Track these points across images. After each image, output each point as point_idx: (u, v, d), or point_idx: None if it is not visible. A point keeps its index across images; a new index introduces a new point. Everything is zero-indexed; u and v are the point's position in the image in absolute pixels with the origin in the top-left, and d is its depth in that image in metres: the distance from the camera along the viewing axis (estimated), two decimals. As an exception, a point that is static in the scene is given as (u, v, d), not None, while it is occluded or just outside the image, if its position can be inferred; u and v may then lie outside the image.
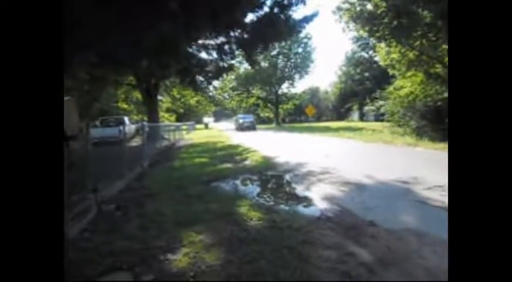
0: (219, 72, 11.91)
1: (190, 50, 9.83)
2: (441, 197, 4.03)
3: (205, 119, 53.67)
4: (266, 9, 7.45)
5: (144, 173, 6.92)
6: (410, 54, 12.68)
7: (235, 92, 43.85)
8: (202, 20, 5.93)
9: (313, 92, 55.66)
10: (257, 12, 7.50)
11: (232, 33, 8.20)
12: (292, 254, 2.56)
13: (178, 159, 9.46)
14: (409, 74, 13.61)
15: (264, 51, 10.60)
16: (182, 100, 33.51)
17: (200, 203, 4.20)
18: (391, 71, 14.71)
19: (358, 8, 12.62)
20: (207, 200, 4.33)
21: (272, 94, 43.82)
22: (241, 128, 28.49)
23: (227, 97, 45.42)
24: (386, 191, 4.63)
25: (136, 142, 12.21)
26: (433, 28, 11.17)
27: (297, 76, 42.41)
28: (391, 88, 15.62)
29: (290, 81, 42.98)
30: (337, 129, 21.15)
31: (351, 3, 12.74)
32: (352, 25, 13.15)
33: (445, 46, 11.20)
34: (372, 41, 27.12)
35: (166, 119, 31.39)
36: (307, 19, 8.70)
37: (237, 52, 9.53)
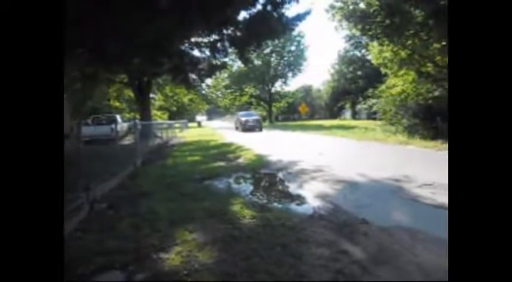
0: (211, 70, 11.85)
1: (183, 47, 9.74)
2: (432, 195, 4.08)
3: (198, 117, 53.50)
4: (259, 6, 7.39)
5: (137, 171, 6.87)
6: (402, 53, 12.75)
7: (228, 90, 43.55)
8: (194, 18, 5.89)
9: (306, 90, 55.80)
10: (250, 9, 7.45)
11: (225, 31, 8.14)
12: (285, 251, 2.57)
13: (171, 158, 9.41)
14: (401, 72, 13.69)
15: (257, 49, 10.57)
16: (175, 98, 33.29)
17: (193, 202, 4.18)
18: (383, 70, 14.78)
19: (351, 7, 12.64)
20: (200, 198, 4.32)
21: (265, 92, 43.70)
22: (244, 128, 22.64)
23: (220, 95, 45.22)
24: (379, 189, 4.68)
25: (128, 140, 12.14)
26: (424, 27, 11.26)
27: (290, 74, 42.36)
28: (383, 87, 15.71)
29: (283, 80, 42.92)
30: (330, 128, 21.29)
31: (344, 2, 12.75)
32: (344, 23, 13.17)
33: (436, 45, 11.29)
34: (365, 39, 27.29)
35: (159, 117, 31.08)
36: (300, 17, 8.67)
37: (229, 50, 9.45)
